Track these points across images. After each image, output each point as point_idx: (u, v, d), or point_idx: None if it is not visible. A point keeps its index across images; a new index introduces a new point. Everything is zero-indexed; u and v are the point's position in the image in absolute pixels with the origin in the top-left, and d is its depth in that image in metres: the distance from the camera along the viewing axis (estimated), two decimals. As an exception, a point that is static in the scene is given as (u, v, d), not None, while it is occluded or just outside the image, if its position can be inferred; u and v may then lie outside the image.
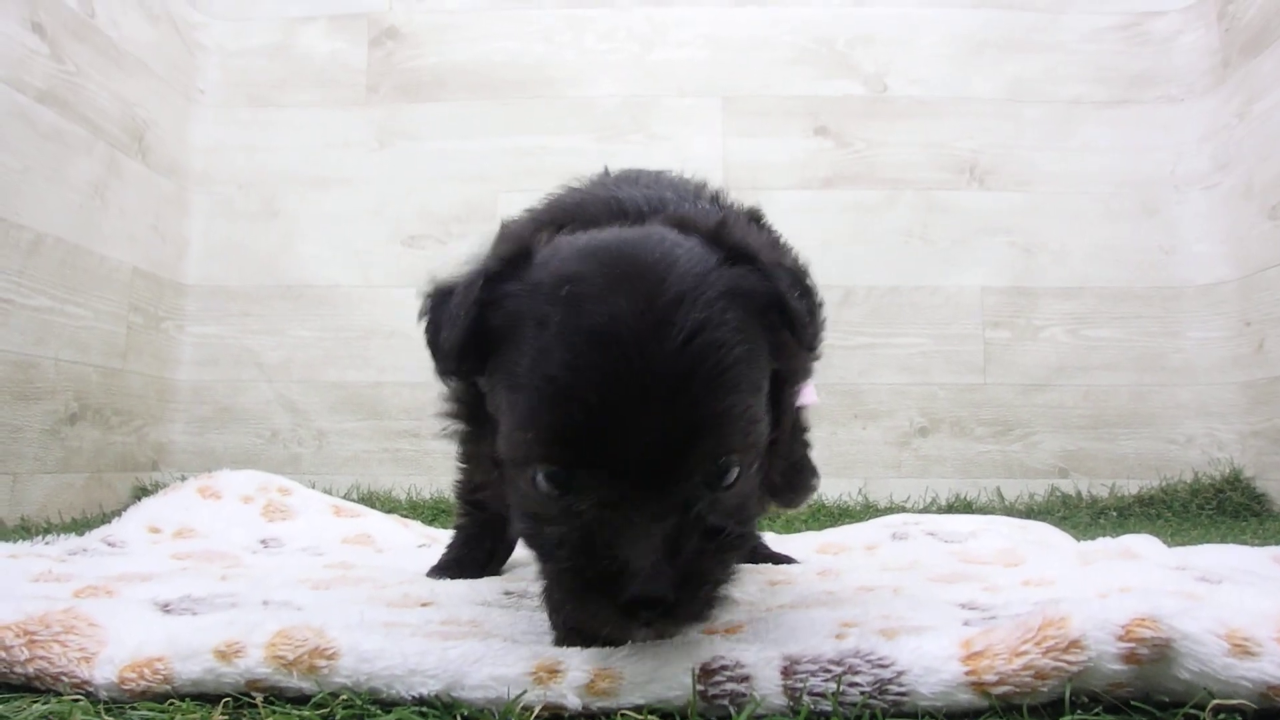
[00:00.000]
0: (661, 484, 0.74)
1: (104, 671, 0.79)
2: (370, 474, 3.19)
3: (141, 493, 2.95)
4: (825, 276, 3.58)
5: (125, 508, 2.88)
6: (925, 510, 3.09)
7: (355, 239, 3.38)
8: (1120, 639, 0.72)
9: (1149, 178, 3.35)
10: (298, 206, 3.39)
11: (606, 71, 3.44)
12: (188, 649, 0.80)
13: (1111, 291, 3.32)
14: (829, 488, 3.09)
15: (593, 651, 0.79)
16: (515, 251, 0.86)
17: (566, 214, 1.02)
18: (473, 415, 0.98)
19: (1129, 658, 0.71)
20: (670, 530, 0.73)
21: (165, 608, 1.00)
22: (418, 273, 3.61)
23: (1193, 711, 0.69)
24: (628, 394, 0.72)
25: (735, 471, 0.79)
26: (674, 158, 3.30)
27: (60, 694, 0.80)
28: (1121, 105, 3.39)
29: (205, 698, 0.79)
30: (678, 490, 0.75)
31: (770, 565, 1.50)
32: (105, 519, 2.64)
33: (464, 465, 1.30)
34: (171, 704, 0.77)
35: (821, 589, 1.23)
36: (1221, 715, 0.68)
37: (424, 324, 0.88)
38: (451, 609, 1.04)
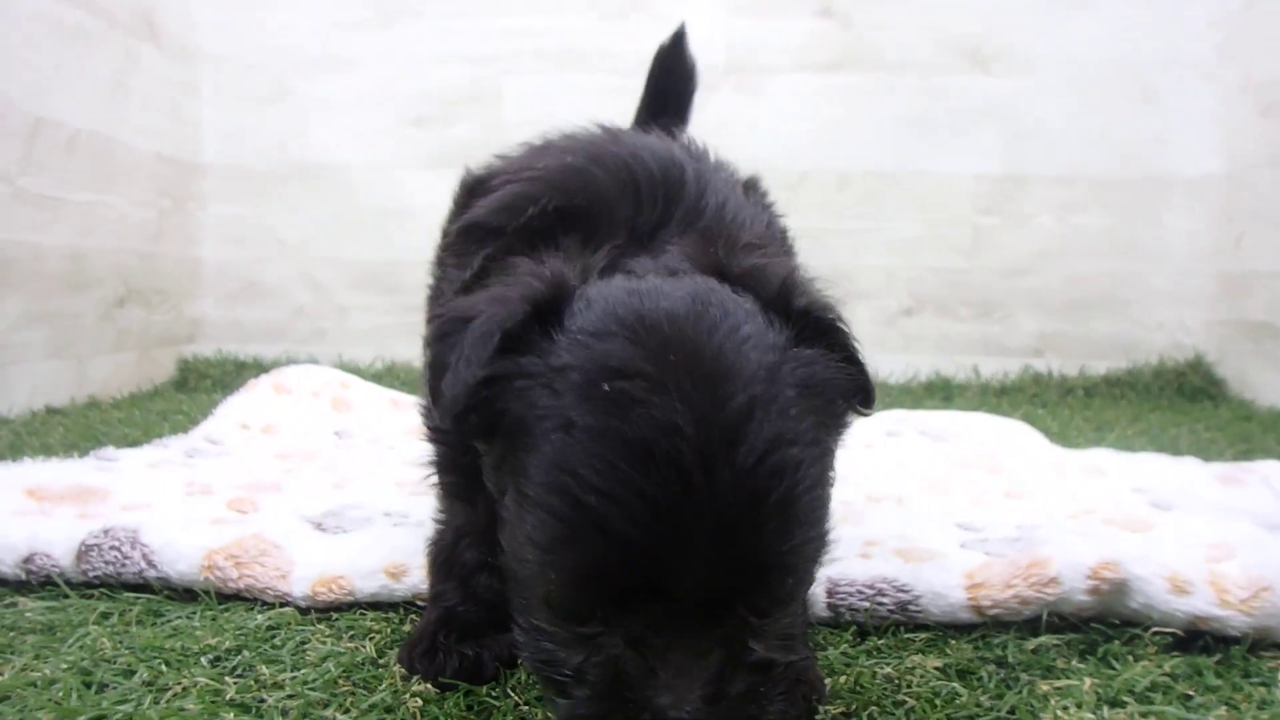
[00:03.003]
0: (708, 620, 0.63)
1: (299, 587, 1.02)
2: (389, 347, 3.38)
3: (184, 365, 3.16)
4: (823, 161, 3.61)
5: (172, 381, 3.09)
6: (906, 385, 3.34)
7: (363, 120, 3.43)
8: (1088, 577, 0.95)
9: (1151, 62, 3.36)
10: (306, 87, 3.42)
11: (611, -52, 3.40)
12: (364, 569, 1.03)
13: (1102, 180, 3.41)
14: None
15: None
16: (544, 298, 0.70)
17: (569, 191, 0.86)
18: (462, 468, 0.85)
19: (1093, 591, 0.95)
20: (713, 669, 0.62)
21: (318, 526, 1.22)
22: (425, 153, 3.62)
23: (1137, 633, 0.94)
24: (679, 528, 0.60)
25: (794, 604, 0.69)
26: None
27: (267, 604, 1.02)
28: (1131, -15, 3.35)
29: (379, 606, 1.02)
30: (726, 624, 0.64)
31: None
32: (158, 393, 2.85)
33: (444, 522, 0.98)
34: (360, 613, 1.00)
35: (836, 497, 1.45)
36: (1157, 636, 0.93)
37: (429, 350, 0.72)
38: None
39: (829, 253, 3.37)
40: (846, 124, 3.42)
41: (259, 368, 2.53)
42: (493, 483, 0.73)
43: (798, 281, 0.76)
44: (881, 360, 3.38)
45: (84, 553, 1.07)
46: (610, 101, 3.63)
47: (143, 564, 1.05)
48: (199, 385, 3.03)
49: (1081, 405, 3.12)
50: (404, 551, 1.06)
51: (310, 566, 1.04)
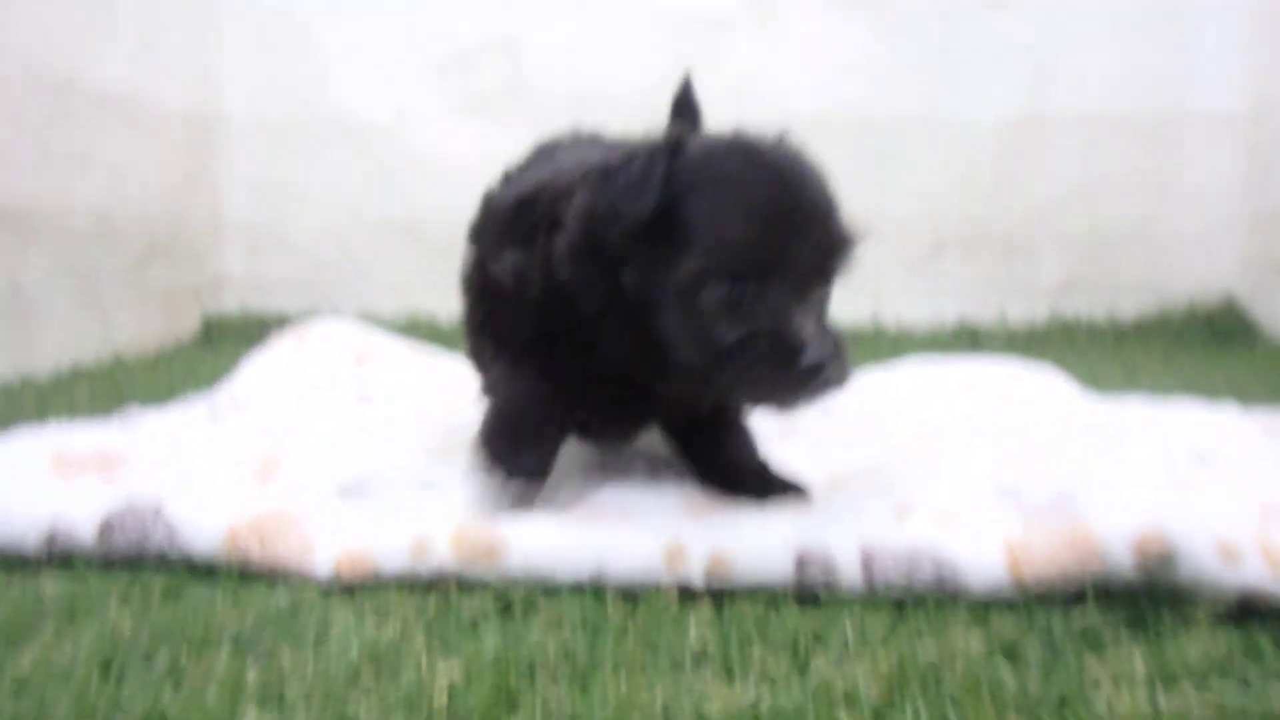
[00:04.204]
0: (816, 289, 1.03)
1: (323, 566, 1.00)
2: (414, 298, 3.36)
3: (209, 321, 3.18)
4: (845, 105, 3.52)
5: (197, 337, 3.11)
6: (933, 335, 3.27)
7: (387, 71, 3.41)
8: (1134, 550, 0.91)
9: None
10: (331, 36, 3.40)
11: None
12: (388, 546, 1.00)
13: (1125, 119, 3.33)
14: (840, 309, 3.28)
15: (710, 536, 1.00)
16: (673, 143, 1.04)
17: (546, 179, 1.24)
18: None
19: (1139, 568, 0.91)
20: (818, 317, 1.03)
21: (343, 492, 1.20)
22: (448, 105, 3.61)
23: (1186, 604, 0.90)
24: (813, 221, 1.00)
25: None
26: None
27: (290, 584, 1.00)
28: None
29: (406, 583, 1.00)
30: (823, 289, 1.05)
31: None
32: (182, 349, 2.87)
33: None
34: (385, 591, 0.98)
35: (862, 461, 1.41)
36: (1209, 606, 0.89)
37: (600, 194, 1.01)
38: (597, 500, 1.20)
39: (849, 200, 3.27)
40: (866, 65, 3.34)
41: (283, 322, 2.55)
42: (649, 271, 1.02)
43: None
44: (905, 306, 3.33)
45: (106, 529, 1.05)
46: (638, 48, 3.58)
47: (165, 541, 1.04)
48: (223, 341, 3.05)
49: (1112, 350, 3.05)
50: (429, 522, 1.04)
51: (334, 541, 1.01)
